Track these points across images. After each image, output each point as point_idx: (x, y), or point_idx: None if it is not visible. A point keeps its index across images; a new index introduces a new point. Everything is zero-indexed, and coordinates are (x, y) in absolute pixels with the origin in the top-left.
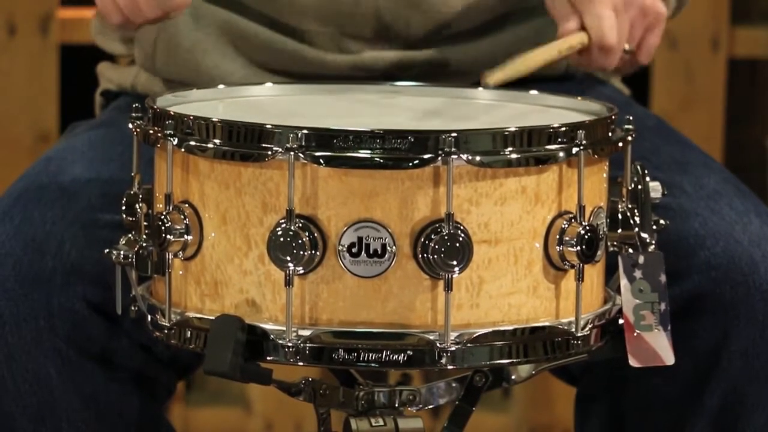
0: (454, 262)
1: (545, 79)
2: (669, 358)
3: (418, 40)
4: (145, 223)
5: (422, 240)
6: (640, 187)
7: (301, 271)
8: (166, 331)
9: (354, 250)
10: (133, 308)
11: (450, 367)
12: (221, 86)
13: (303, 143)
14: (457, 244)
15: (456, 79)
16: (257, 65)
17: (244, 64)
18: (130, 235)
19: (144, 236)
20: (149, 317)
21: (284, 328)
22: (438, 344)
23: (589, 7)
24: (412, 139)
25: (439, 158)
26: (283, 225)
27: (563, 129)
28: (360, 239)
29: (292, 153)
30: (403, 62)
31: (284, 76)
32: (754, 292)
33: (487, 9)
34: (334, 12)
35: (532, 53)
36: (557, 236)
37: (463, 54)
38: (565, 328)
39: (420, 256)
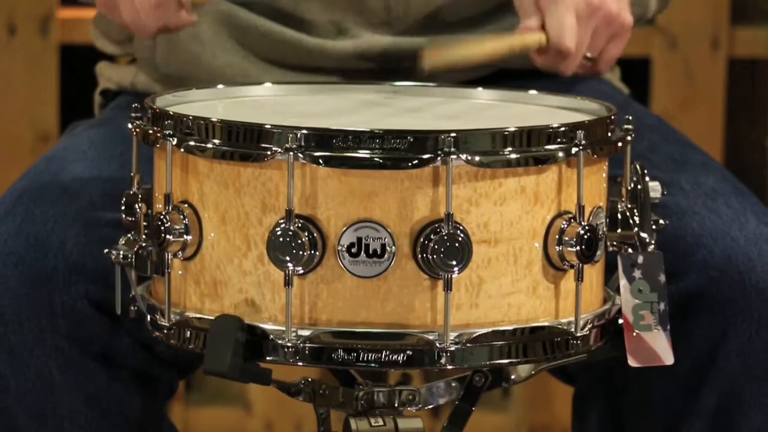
0: (454, 262)
1: (543, 75)
2: (668, 358)
3: (416, 26)
4: (145, 223)
5: (422, 240)
6: (639, 187)
7: (301, 271)
8: (165, 331)
9: (353, 250)
10: (132, 308)
11: (449, 367)
12: (220, 86)
13: (302, 143)
14: (457, 244)
15: (453, 72)
16: (257, 56)
17: (244, 55)
18: (129, 235)
19: (143, 236)
20: (149, 317)
21: (284, 328)
22: (437, 344)
23: (553, 8)
24: (412, 139)
25: (439, 158)
26: (283, 225)
27: (562, 129)
28: (359, 239)
29: (291, 153)
30: (401, 48)
31: (284, 67)
32: (751, 290)
33: None
34: None
35: (480, 42)
36: (557, 236)
37: None
38: (565, 328)
39: (419, 256)
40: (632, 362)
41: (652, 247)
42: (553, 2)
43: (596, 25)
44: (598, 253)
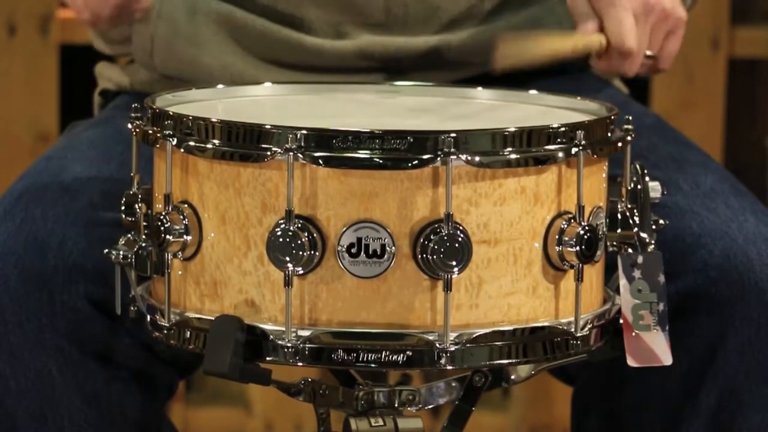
0: (454, 263)
1: (542, 74)
2: (667, 359)
3: (415, 26)
4: (145, 224)
5: (421, 240)
6: (639, 187)
7: (301, 272)
8: (165, 332)
9: (353, 250)
10: (132, 308)
11: (449, 367)
12: (220, 86)
13: (302, 143)
14: (457, 245)
15: (454, 67)
16: (255, 56)
17: (243, 55)
18: (129, 236)
19: (143, 236)
20: (149, 317)
21: (283, 329)
22: (437, 344)
23: (610, 10)
24: (412, 140)
25: (439, 158)
26: (283, 225)
27: (562, 129)
28: (359, 240)
29: (291, 153)
30: (401, 49)
31: (283, 67)
32: (750, 290)
33: None
34: None
35: (548, 40)
36: (556, 236)
37: (461, 41)
38: (565, 328)
39: (419, 256)
40: (631, 362)
41: (652, 247)
42: (610, 4)
43: (654, 22)
44: (598, 253)
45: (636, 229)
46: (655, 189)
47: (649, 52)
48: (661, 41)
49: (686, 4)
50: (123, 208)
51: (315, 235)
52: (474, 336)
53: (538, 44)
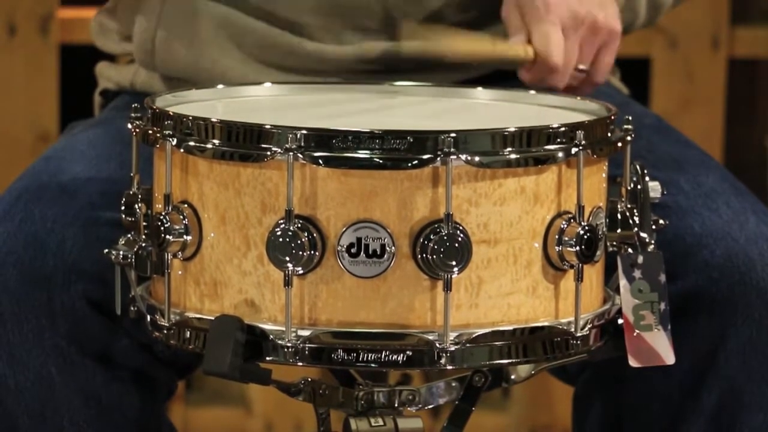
0: (453, 263)
1: None
2: (669, 358)
3: None
4: (145, 224)
5: (421, 240)
6: (639, 187)
7: (300, 272)
8: (165, 332)
9: (353, 250)
10: (132, 308)
11: (449, 367)
12: (220, 86)
13: (302, 143)
14: (456, 245)
15: (452, 71)
16: (256, 60)
17: (243, 59)
18: (129, 236)
19: (143, 236)
20: (148, 317)
21: (283, 329)
22: (437, 344)
23: (538, 25)
24: (411, 140)
25: (438, 158)
26: (282, 225)
27: (562, 129)
28: (359, 239)
29: (291, 153)
30: (400, 51)
31: (283, 71)
32: (751, 290)
33: (481, 1)
34: (332, 4)
35: (465, 40)
36: (556, 236)
37: None
38: (565, 328)
39: (419, 256)
40: (633, 362)
41: (652, 247)
42: (537, 18)
43: (584, 36)
44: (598, 253)
45: (636, 229)
46: (655, 189)
47: (581, 66)
48: (593, 55)
49: (639, 17)
50: (123, 208)
51: (315, 235)
52: (474, 336)
53: (450, 40)
